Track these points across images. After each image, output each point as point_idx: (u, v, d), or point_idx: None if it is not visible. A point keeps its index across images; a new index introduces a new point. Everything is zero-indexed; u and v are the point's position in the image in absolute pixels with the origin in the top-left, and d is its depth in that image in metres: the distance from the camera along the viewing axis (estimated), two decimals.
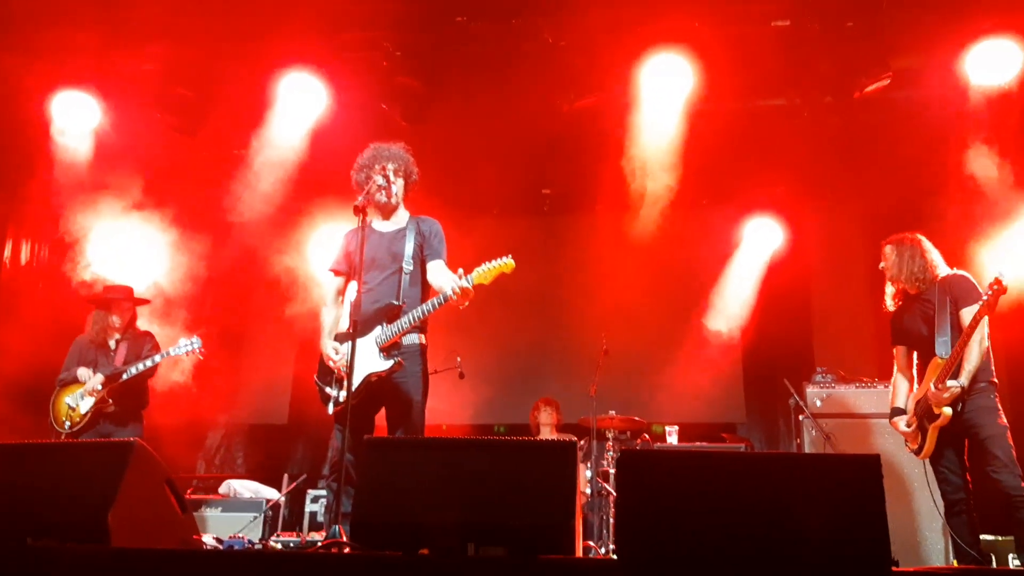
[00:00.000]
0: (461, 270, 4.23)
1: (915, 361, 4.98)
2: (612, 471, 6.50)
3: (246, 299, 9.27)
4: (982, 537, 5.90)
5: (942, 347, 4.62)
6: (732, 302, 8.25)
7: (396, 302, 4.33)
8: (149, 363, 5.85)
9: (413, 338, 4.40)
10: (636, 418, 6.91)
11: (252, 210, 7.63)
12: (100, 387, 5.76)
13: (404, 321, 4.29)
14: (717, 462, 2.80)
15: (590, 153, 7.54)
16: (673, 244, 8.42)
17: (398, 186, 4.55)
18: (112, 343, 6.04)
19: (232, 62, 7.01)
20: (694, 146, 7.15)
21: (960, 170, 6.68)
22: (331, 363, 4.42)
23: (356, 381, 4.13)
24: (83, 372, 5.83)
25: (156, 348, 6.05)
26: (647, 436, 7.09)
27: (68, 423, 5.78)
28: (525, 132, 7.58)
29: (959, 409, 4.53)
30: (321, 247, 8.21)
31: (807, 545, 2.58)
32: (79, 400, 5.79)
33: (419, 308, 4.30)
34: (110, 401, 5.79)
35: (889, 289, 5.09)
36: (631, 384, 7.91)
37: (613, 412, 6.83)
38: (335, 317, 4.61)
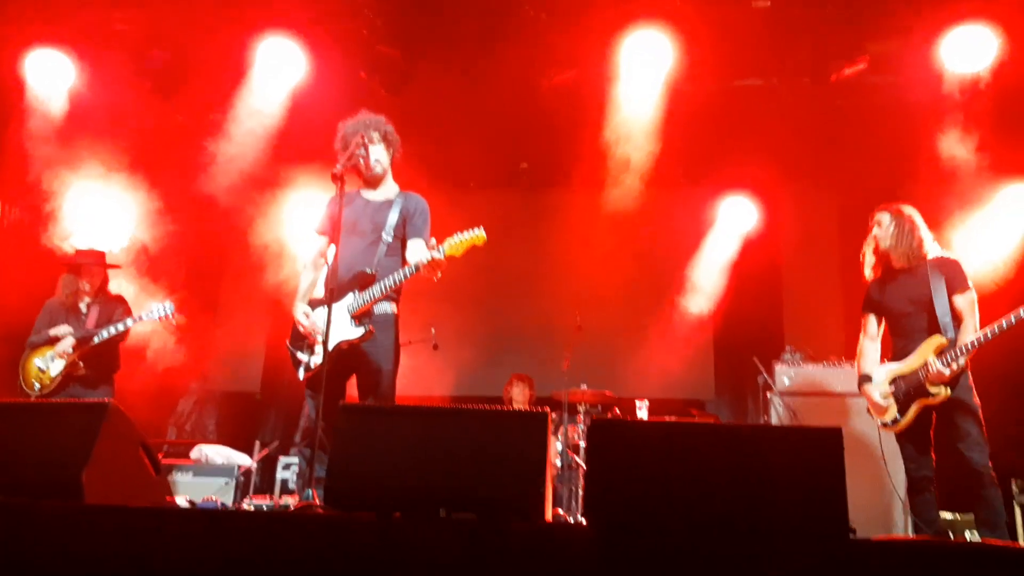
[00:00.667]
0: (433, 240, 4.27)
1: (880, 332, 5.02)
2: (582, 444, 6.58)
3: (220, 265, 9.24)
4: (940, 515, 6.07)
5: (946, 328, 4.61)
6: (705, 280, 8.34)
7: (370, 270, 4.37)
8: (121, 327, 5.81)
9: (385, 307, 4.44)
10: (607, 392, 7.00)
11: (228, 176, 7.58)
12: (71, 350, 5.73)
13: (376, 289, 4.32)
14: (684, 433, 2.86)
15: (568, 128, 7.55)
16: (649, 221, 8.49)
17: (378, 152, 4.58)
18: (83, 307, 5.99)
19: (210, 25, 6.92)
20: (672, 124, 7.20)
21: (934, 155, 6.77)
22: (300, 328, 4.44)
23: (328, 347, 4.11)
24: (60, 328, 5.80)
25: (128, 313, 6.00)
26: (618, 410, 7.18)
27: (38, 385, 5.74)
28: (504, 105, 7.58)
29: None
30: (297, 214, 8.19)
31: (769, 513, 2.65)
32: (49, 363, 5.76)
33: (390, 277, 4.32)
34: (81, 364, 5.76)
35: (870, 258, 5.06)
36: (603, 359, 7.99)
37: (585, 386, 6.91)
38: (311, 281, 4.63)
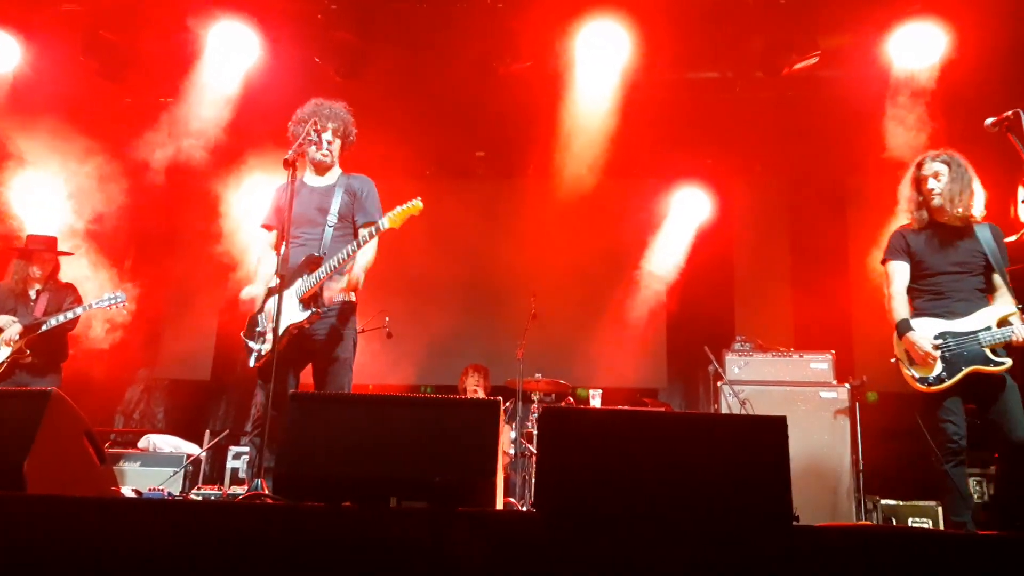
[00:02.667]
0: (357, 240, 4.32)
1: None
2: (535, 432, 6.61)
3: (170, 251, 9.09)
4: (881, 502, 6.22)
5: (1010, 295, 4.45)
6: (659, 270, 8.41)
7: (317, 254, 4.37)
8: (70, 315, 5.71)
9: (343, 297, 4.44)
10: (561, 381, 7.04)
11: (178, 161, 7.46)
12: (17, 337, 5.62)
13: (322, 270, 4.31)
14: (633, 420, 2.89)
15: (524, 118, 7.56)
16: (603, 211, 8.54)
17: (335, 147, 4.58)
18: (32, 293, 5.89)
19: (160, 7, 6.80)
20: (627, 114, 7.23)
21: (882, 148, 6.89)
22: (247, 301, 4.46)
23: (279, 333, 4.11)
24: (3, 319, 5.68)
25: (78, 301, 5.91)
26: (571, 399, 7.22)
27: None
28: (460, 93, 7.56)
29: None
30: (248, 201, 8.08)
31: (716, 499, 2.69)
32: None
33: (335, 256, 4.30)
34: (27, 352, 5.66)
35: (915, 209, 4.69)
36: (558, 348, 8.02)
37: (539, 375, 6.94)
38: (264, 274, 4.60)
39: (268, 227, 4.64)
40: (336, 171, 4.69)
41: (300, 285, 4.32)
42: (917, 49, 6.58)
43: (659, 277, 8.43)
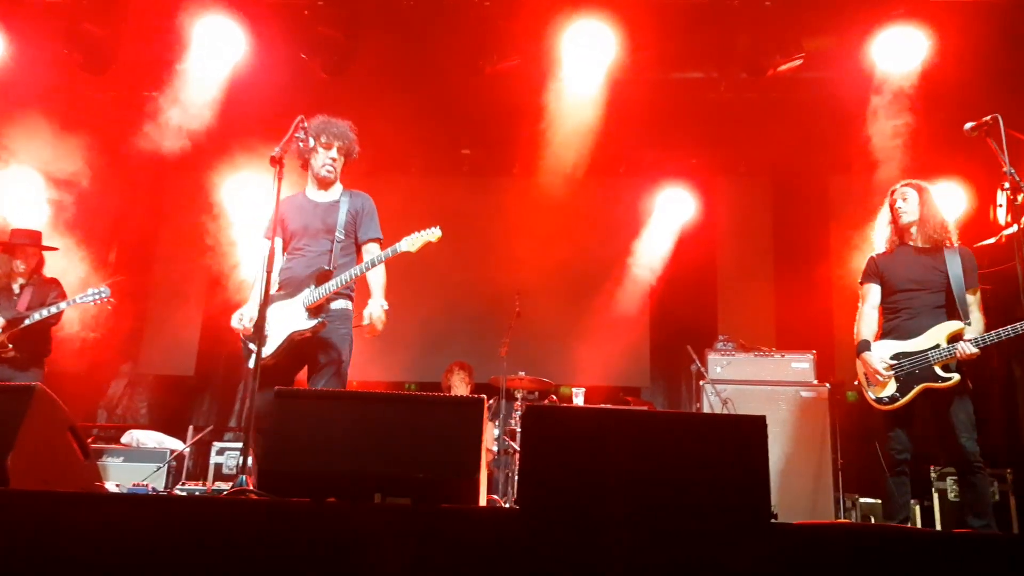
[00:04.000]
0: (374, 305, 4.49)
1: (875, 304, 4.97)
2: (519, 430, 6.64)
3: (153, 247, 9.06)
4: (860, 500, 6.30)
5: (963, 315, 4.61)
6: (642, 269, 8.45)
7: (327, 267, 4.51)
8: (54, 309, 5.72)
9: (343, 303, 4.57)
10: (545, 379, 7.07)
11: (162, 156, 7.42)
12: (0, 332, 5.60)
13: (332, 284, 4.43)
14: (615, 419, 2.92)
15: (511, 116, 7.57)
16: (588, 210, 8.58)
17: (339, 164, 4.73)
18: (16, 288, 5.89)
19: (145, 0, 6.77)
20: (612, 114, 7.26)
21: (864, 150, 6.96)
22: (236, 328, 4.47)
23: (279, 339, 4.36)
24: None
25: (62, 296, 5.91)
26: (555, 397, 7.26)
27: None
28: (447, 91, 7.56)
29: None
30: (234, 194, 8.07)
31: (696, 496, 2.73)
32: None
33: (347, 272, 4.45)
34: (10, 346, 5.65)
35: (885, 231, 4.97)
36: (541, 346, 8.06)
37: (523, 373, 6.97)
38: (264, 284, 4.56)
39: (270, 236, 4.62)
40: (338, 187, 4.80)
41: (307, 295, 4.43)
42: (899, 52, 6.64)
43: (643, 276, 8.47)
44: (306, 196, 4.74)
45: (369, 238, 4.69)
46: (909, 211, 4.85)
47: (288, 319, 4.39)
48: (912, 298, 4.77)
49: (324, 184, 4.73)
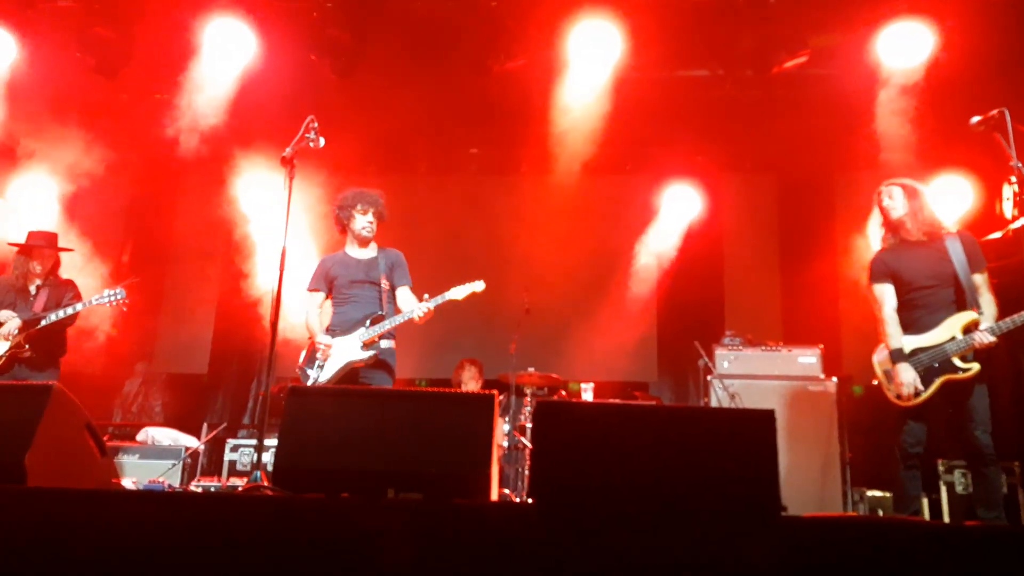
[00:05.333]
0: (427, 295, 5.11)
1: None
2: (529, 426, 6.69)
3: (166, 247, 9.13)
4: (868, 493, 6.32)
5: (974, 304, 4.62)
6: (649, 266, 8.48)
7: (380, 312, 5.21)
8: (69, 311, 5.75)
9: (388, 343, 5.26)
10: (554, 375, 7.11)
11: (175, 156, 7.49)
12: (16, 332, 5.66)
13: (384, 325, 5.13)
14: (626, 414, 2.96)
15: (518, 115, 7.59)
16: (595, 208, 8.61)
17: (374, 226, 5.39)
18: (32, 289, 5.93)
19: (156, 2, 6.83)
20: (618, 112, 7.28)
21: (869, 146, 6.98)
22: (320, 347, 5.18)
23: (337, 367, 5.10)
24: (3, 314, 5.73)
25: (78, 297, 5.95)
26: (564, 393, 7.30)
27: None
28: (454, 91, 7.60)
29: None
30: (245, 195, 8.12)
31: (706, 491, 2.76)
32: None
33: (395, 318, 5.16)
34: (26, 347, 5.68)
35: (878, 230, 4.99)
36: (550, 343, 8.09)
37: (532, 369, 7.01)
38: (319, 324, 5.37)
39: (314, 290, 5.42)
40: (374, 246, 5.47)
41: (363, 332, 5.13)
42: (905, 48, 6.65)
43: (650, 272, 8.50)
44: (347, 253, 5.43)
45: (401, 284, 5.39)
46: (896, 207, 4.87)
47: (346, 351, 5.10)
48: (927, 294, 4.75)
49: (363, 243, 5.40)
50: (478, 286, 5.25)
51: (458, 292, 5.20)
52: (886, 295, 4.89)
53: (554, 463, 2.87)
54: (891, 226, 4.93)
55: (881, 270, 4.92)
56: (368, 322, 5.17)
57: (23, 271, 5.92)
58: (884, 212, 4.95)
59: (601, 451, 2.86)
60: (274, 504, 2.92)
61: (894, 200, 4.90)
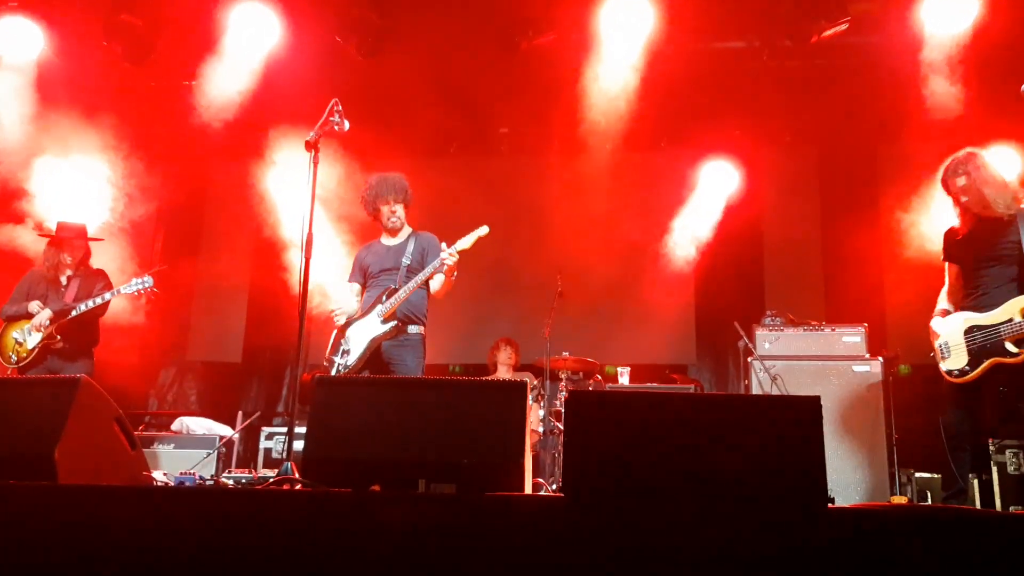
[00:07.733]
0: (444, 244, 5.10)
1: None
2: (563, 410, 6.59)
3: (198, 235, 9.15)
4: (916, 475, 6.15)
5: None
6: (686, 245, 8.30)
7: (393, 286, 5.21)
8: (99, 300, 5.78)
9: (416, 328, 5.27)
10: (589, 359, 7.00)
11: (204, 143, 7.47)
12: (48, 323, 5.69)
13: (400, 294, 5.12)
14: (661, 402, 2.85)
15: (548, 92, 7.47)
16: (630, 186, 8.43)
17: (400, 212, 5.45)
18: (63, 279, 5.99)
19: None
20: (652, 87, 7.13)
21: (913, 116, 6.75)
22: (335, 317, 5.35)
23: (362, 347, 5.15)
24: (34, 305, 5.77)
25: (108, 286, 5.98)
26: (599, 377, 7.18)
27: (14, 357, 5.74)
28: (483, 69, 7.49)
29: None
30: (273, 179, 8.07)
31: (747, 483, 2.65)
32: (26, 335, 5.73)
33: (409, 284, 5.14)
34: (58, 337, 5.73)
35: (955, 210, 4.86)
36: (585, 325, 7.98)
37: (567, 353, 6.90)
38: (355, 311, 5.44)
39: (353, 282, 5.54)
40: (407, 230, 5.52)
41: (380, 308, 5.17)
42: (949, 13, 6.42)
43: (687, 251, 8.32)
44: (380, 243, 5.54)
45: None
46: (979, 181, 4.69)
47: (367, 330, 5.17)
48: (987, 275, 4.68)
49: (392, 232, 5.50)
50: (483, 231, 5.21)
51: (465, 242, 5.17)
52: (948, 271, 4.95)
53: (587, 456, 2.77)
54: (963, 207, 4.79)
55: (946, 249, 4.95)
56: (384, 296, 5.21)
57: (54, 262, 5.98)
58: (955, 197, 4.82)
59: (636, 442, 2.76)
60: (300, 499, 2.87)
61: (977, 173, 4.72)
